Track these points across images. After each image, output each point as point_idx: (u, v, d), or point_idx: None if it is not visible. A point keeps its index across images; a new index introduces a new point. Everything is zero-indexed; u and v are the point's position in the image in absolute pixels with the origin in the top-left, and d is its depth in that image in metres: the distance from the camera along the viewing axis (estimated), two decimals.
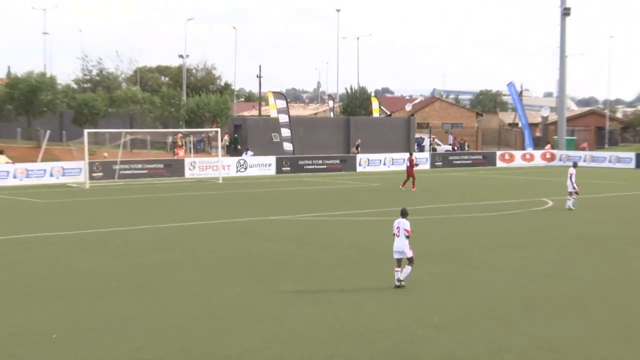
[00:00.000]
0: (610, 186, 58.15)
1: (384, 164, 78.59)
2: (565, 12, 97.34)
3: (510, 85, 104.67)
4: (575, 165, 44.50)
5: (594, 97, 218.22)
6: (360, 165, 76.72)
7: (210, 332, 18.16)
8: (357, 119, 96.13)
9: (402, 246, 22.88)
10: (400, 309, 20.52)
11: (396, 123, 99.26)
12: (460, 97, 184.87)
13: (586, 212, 42.22)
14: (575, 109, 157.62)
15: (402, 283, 22.94)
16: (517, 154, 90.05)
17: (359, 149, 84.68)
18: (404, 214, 23.45)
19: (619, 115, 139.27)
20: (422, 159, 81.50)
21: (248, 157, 72.71)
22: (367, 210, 43.12)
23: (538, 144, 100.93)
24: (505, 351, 16.85)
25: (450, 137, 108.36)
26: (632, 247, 31.10)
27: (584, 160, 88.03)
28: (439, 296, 22.03)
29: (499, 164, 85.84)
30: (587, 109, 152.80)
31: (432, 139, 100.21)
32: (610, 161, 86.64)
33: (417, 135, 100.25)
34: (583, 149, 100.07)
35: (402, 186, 54.99)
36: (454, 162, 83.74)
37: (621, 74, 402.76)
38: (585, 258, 28.47)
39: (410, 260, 23.06)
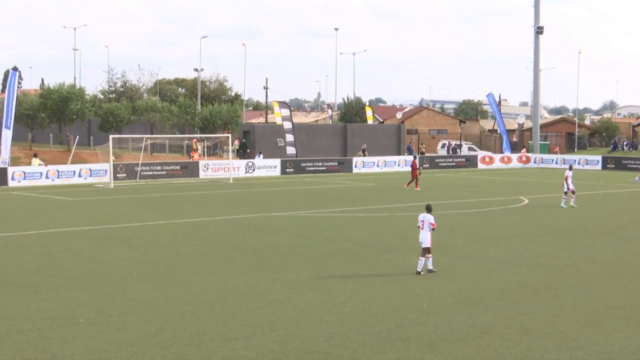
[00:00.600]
0: (580, 185, 58.03)
1: (378, 166, 78.47)
2: (539, 30, 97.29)
3: (490, 95, 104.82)
4: (571, 168, 44.52)
5: (564, 106, 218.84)
6: (356, 167, 76.62)
7: (221, 316, 18.08)
8: (353, 125, 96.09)
9: (426, 237, 23.15)
10: (392, 296, 20.45)
11: (388, 129, 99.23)
12: (445, 106, 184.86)
13: (558, 208, 42.10)
14: (548, 117, 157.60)
15: (434, 269, 23.41)
16: (496, 157, 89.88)
17: (366, 152, 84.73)
18: (428, 209, 23.82)
19: (587, 122, 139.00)
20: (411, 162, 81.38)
21: (259, 159, 72.73)
22: (362, 207, 43.02)
23: (515, 148, 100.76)
24: (486, 333, 16.77)
25: (447, 142, 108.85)
26: (600, 240, 31.01)
27: (556, 163, 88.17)
28: (427, 284, 21.94)
29: (480, 166, 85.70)
30: (558, 116, 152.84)
31: (421, 144, 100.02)
32: (579, 163, 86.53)
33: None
34: (555, 153, 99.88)
35: (407, 186, 54.44)
36: (439, 164, 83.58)
37: (589, 85, 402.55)
38: (558, 249, 28.38)
39: (428, 250, 23.31)
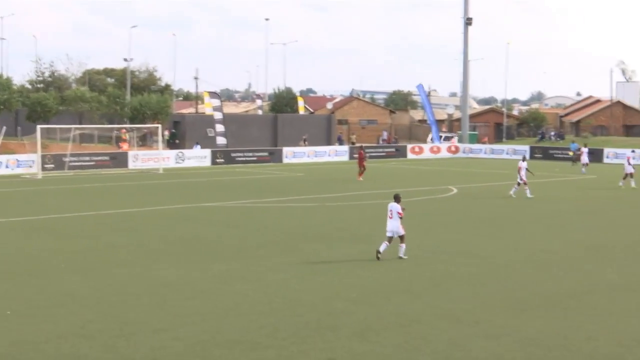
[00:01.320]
0: (508, 175, 58.71)
1: (308, 156, 78.50)
2: (468, 22, 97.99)
3: (420, 86, 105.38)
4: (524, 159, 44.96)
5: (493, 96, 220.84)
6: (286, 157, 76.56)
7: (150, 308, 18.01)
8: (284, 116, 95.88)
9: (395, 226, 23.73)
10: (321, 285, 20.53)
11: (318, 120, 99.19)
12: (375, 96, 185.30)
13: (487, 198, 42.56)
14: (477, 107, 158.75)
15: (404, 257, 23.89)
16: (426, 147, 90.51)
17: (307, 142, 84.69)
18: (396, 198, 24.23)
19: (515, 112, 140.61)
20: (342, 152, 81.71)
21: (196, 149, 72.55)
22: (292, 197, 43.04)
23: (445, 138, 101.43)
24: (415, 322, 16.93)
25: (385, 133, 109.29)
26: (527, 229, 31.41)
27: (485, 153, 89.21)
28: (357, 273, 22.07)
29: (410, 155, 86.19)
30: (487, 107, 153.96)
31: (352, 134, 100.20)
32: (507, 153, 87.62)
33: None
34: (484, 143, 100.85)
35: (360, 177, 54.16)
36: (370, 154, 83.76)
37: (518, 76, 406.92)
38: (486, 238, 28.72)
39: (402, 238, 23.89)
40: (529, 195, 42.02)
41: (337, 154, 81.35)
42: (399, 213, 23.78)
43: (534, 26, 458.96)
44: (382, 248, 23.89)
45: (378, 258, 23.68)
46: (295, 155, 77.55)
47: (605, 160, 76.47)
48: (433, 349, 15.08)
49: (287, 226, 31.75)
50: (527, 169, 42.92)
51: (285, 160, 75.89)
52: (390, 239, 23.92)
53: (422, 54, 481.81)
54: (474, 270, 22.72)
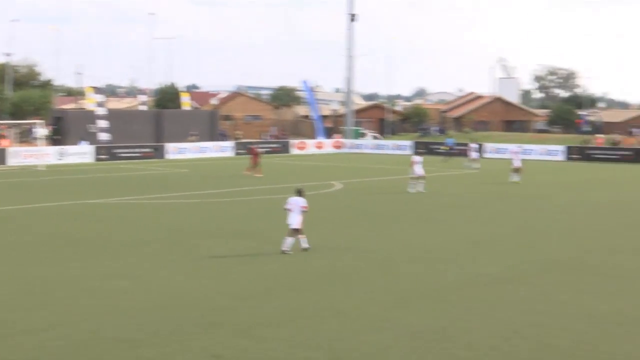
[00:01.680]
0: (391, 170, 59.41)
1: (192, 152, 78.00)
2: (352, 18, 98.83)
3: (304, 82, 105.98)
4: (418, 154, 45.54)
5: (377, 92, 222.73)
6: (170, 153, 75.90)
7: (32, 307, 17.65)
8: (168, 111, 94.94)
9: (296, 219, 23.84)
10: (206, 282, 20.41)
11: (202, 115, 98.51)
12: (260, 92, 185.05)
13: (371, 193, 42.96)
14: (362, 103, 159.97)
15: (309, 247, 24.26)
16: (310, 142, 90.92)
17: (195, 137, 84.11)
18: (300, 192, 24.53)
19: (398, 108, 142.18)
20: (227, 148, 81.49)
21: (80, 146, 71.38)
22: (176, 193, 42.69)
23: (329, 133, 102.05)
24: (299, 317, 16.96)
25: (274, 129, 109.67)
26: (409, 224, 31.77)
27: (369, 148, 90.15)
28: (241, 269, 22.01)
29: (294, 151, 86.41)
30: (371, 103, 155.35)
31: (236, 130, 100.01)
32: (391, 148, 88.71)
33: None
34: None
35: (258, 174, 53.83)
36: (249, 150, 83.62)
37: (402, 72, 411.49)
38: (369, 233, 28.93)
39: (298, 231, 24.04)
40: (421, 190, 42.71)
41: (222, 149, 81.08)
42: (303, 207, 24.00)
43: (419, 23, 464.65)
44: (287, 245, 24.01)
45: (285, 253, 23.87)
46: (179, 151, 76.97)
47: (487, 155, 77.94)
48: (317, 343, 15.11)
49: (171, 223, 31.47)
50: (421, 163, 43.68)
51: (170, 156, 75.27)
52: (293, 232, 24.08)
53: (307, 50, 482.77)
54: (358, 265, 22.87)
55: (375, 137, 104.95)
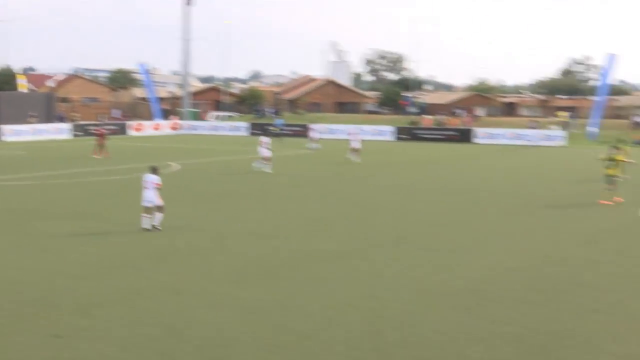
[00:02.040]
0: (228, 151, 59.49)
1: (29, 133, 76.08)
2: (188, 2, 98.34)
3: (141, 65, 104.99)
4: (266, 134, 45.77)
5: (214, 75, 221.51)
6: (6, 135, 73.78)
7: None
8: (4, 94, 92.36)
9: (151, 196, 24.03)
10: (43, 263, 20.07)
11: (39, 98, 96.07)
12: (98, 74, 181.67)
13: (209, 173, 42.94)
14: (199, 85, 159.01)
15: (159, 228, 24.17)
16: (148, 124, 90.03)
17: (35, 118, 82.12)
18: (154, 170, 24.55)
19: (235, 91, 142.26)
20: (64, 130, 79.96)
21: None
22: (13, 175, 41.60)
23: (166, 115, 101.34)
24: (138, 295, 16.91)
25: (116, 111, 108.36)
26: (248, 202, 31.91)
27: (207, 129, 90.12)
28: (80, 250, 21.69)
29: (132, 133, 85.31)
30: (208, 85, 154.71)
31: (74, 112, 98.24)
32: (228, 130, 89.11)
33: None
34: (204, 120, 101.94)
35: (106, 154, 52.74)
36: (90, 131, 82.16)
37: (238, 55, 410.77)
38: (208, 212, 28.94)
39: (160, 208, 24.19)
40: (267, 170, 43.04)
41: (59, 132, 79.41)
42: (156, 184, 24.12)
43: (254, 7, 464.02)
44: (144, 224, 24.18)
45: (148, 230, 24.05)
46: (15, 133, 74.95)
47: (321, 135, 78.86)
48: (157, 320, 15.09)
49: (8, 205, 30.68)
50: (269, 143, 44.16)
51: (5, 139, 73.21)
52: (148, 209, 24.17)
53: (144, 33, 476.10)
54: (197, 243, 22.87)
55: (230, 117, 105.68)
